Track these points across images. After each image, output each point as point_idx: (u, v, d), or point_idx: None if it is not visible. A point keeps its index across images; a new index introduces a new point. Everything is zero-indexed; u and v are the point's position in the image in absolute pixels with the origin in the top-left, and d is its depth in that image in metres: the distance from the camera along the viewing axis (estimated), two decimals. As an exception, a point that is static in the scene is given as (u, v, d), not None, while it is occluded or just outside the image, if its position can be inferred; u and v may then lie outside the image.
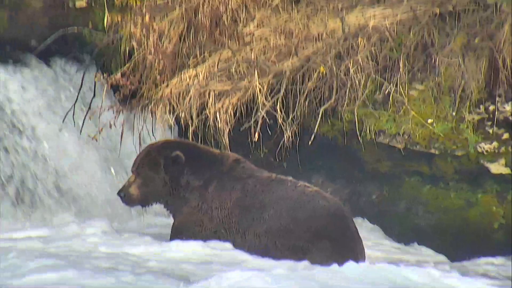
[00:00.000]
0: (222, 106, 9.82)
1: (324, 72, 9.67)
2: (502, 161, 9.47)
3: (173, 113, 9.94)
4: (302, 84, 9.89)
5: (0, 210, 9.32)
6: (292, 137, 9.85)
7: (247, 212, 8.48)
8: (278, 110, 9.74)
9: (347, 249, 8.27)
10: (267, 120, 9.84)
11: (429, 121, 9.57)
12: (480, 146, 9.49)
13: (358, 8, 9.81)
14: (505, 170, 9.49)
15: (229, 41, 9.97)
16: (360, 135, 9.74)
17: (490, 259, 9.29)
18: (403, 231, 9.79)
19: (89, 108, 10.09)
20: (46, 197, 9.63)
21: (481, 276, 8.52)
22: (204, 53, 10.07)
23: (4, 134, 9.66)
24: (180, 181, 8.70)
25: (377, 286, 6.84)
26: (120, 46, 10.31)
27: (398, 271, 7.16)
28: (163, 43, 10.08)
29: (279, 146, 9.98)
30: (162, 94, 9.96)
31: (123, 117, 10.05)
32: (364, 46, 9.61)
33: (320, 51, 9.76)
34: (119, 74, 10.02)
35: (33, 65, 10.13)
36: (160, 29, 10.05)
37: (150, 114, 10.11)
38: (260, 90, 9.67)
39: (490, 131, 9.47)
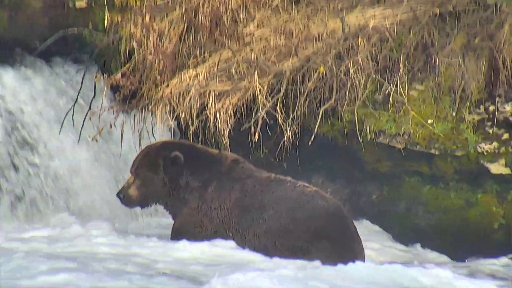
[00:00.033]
0: (222, 106, 9.82)
1: (324, 72, 9.66)
2: (502, 161, 9.47)
3: (173, 114, 9.94)
4: (302, 84, 9.89)
5: (0, 211, 9.33)
6: (292, 137, 9.85)
7: (247, 212, 8.48)
8: (278, 110, 9.74)
9: (347, 249, 8.27)
10: (267, 120, 9.84)
11: (429, 121, 9.57)
12: (480, 146, 9.49)
13: (358, 8, 9.81)
14: (505, 170, 9.49)
15: (229, 41, 9.96)
16: (360, 135, 9.74)
17: (493, 260, 9.30)
18: (403, 231, 9.79)
19: (89, 108, 10.09)
20: (47, 198, 9.63)
21: (490, 277, 8.54)
22: (204, 53, 10.07)
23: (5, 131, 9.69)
24: (180, 182, 8.70)
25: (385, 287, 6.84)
26: (120, 47, 10.31)
27: (406, 272, 7.13)
28: (163, 43, 10.08)
29: (279, 146, 9.97)
30: (162, 94, 9.96)
31: (123, 117, 10.04)
32: (364, 46, 9.61)
33: (320, 51, 9.76)
34: (119, 75, 10.02)
35: (36, 66, 10.16)
36: (160, 29, 10.05)
37: (150, 114, 10.10)
38: (260, 90, 9.67)
39: (490, 131, 9.47)
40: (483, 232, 9.59)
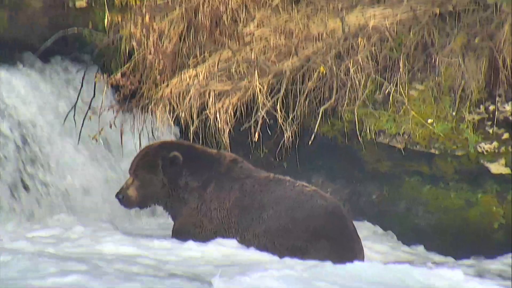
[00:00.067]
0: (222, 106, 9.82)
1: (324, 72, 9.66)
2: (502, 161, 9.47)
3: (173, 113, 9.94)
4: (302, 84, 9.89)
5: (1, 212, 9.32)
6: (292, 137, 9.84)
7: (246, 212, 8.48)
8: (278, 110, 9.74)
9: (346, 248, 8.27)
10: (267, 120, 9.84)
11: (429, 121, 9.57)
12: (480, 146, 9.49)
13: (358, 8, 9.81)
14: (505, 170, 9.48)
15: (229, 41, 9.96)
16: (360, 135, 9.74)
17: (492, 260, 9.31)
18: (403, 231, 9.78)
19: (89, 108, 10.09)
20: (46, 199, 9.63)
21: (490, 277, 8.54)
22: (204, 53, 10.07)
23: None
24: (179, 182, 8.69)
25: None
26: (120, 46, 10.31)
27: (415, 272, 7.08)
28: (163, 43, 10.07)
29: (279, 146, 9.97)
30: (162, 94, 9.95)
31: (122, 117, 10.04)
32: (364, 46, 9.61)
33: (320, 51, 9.76)
34: (119, 74, 10.02)
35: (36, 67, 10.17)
36: (160, 29, 10.05)
37: (150, 114, 10.10)
38: (260, 90, 9.67)
39: (490, 131, 9.47)
40: (483, 232, 9.58)
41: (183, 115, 9.92)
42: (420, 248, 9.64)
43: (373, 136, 9.76)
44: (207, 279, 6.99)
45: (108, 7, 10.15)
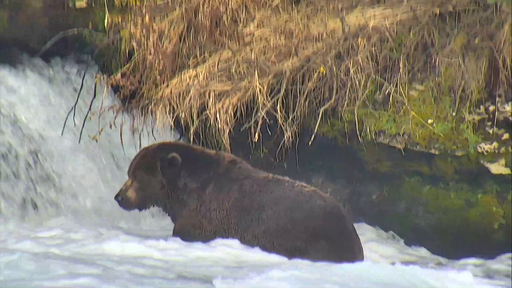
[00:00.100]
0: (222, 106, 9.82)
1: (324, 72, 9.66)
2: (502, 161, 9.46)
3: (173, 114, 9.94)
4: (302, 84, 9.88)
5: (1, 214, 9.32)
6: (292, 137, 9.84)
7: (246, 213, 8.49)
8: (278, 110, 9.74)
9: (345, 249, 8.28)
10: (267, 120, 9.83)
11: (429, 121, 9.57)
12: (480, 146, 9.49)
13: (358, 8, 9.81)
14: (505, 170, 9.48)
15: (229, 41, 9.96)
16: (360, 135, 9.74)
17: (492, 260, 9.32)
18: (403, 231, 9.78)
19: (90, 109, 10.09)
20: (47, 199, 9.63)
21: (489, 277, 8.54)
22: (204, 53, 10.07)
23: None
24: (178, 184, 8.69)
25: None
26: (120, 47, 10.31)
27: (425, 274, 7.04)
28: (163, 43, 10.07)
29: (279, 146, 9.97)
30: (162, 94, 9.95)
31: (122, 117, 10.05)
32: (364, 46, 9.61)
33: (320, 51, 9.76)
34: (119, 75, 10.02)
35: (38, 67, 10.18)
36: (160, 29, 10.04)
37: (150, 114, 10.10)
38: (260, 90, 9.66)
39: (490, 131, 9.46)
40: (483, 232, 9.59)
41: (183, 116, 9.92)
42: (423, 250, 9.63)
43: (373, 136, 9.76)
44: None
45: (108, 7, 10.15)
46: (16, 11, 10.32)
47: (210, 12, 9.97)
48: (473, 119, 9.49)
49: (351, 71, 9.60)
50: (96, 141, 9.89)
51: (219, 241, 8.47)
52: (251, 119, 9.75)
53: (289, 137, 9.82)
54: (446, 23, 9.52)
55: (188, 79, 9.93)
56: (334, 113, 9.93)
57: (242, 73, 9.87)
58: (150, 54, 9.98)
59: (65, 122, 9.94)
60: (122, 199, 8.78)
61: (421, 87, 9.61)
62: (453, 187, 9.70)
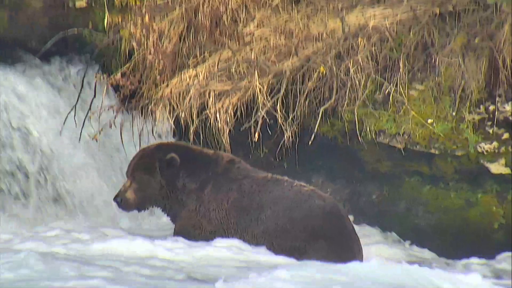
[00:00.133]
0: (222, 106, 9.82)
1: (324, 72, 9.66)
2: (502, 161, 9.46)
3: (173, 113, 9.94)
4: (302, 84, 9.88)
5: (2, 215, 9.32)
6: (292, 137, 9.84)
7: (245, 213, 8.48)
8: (278, 110, 9.74)
9: (344, 248, 8.27)
10: (267, 120, 9.84)
11: (429, 121, 9.57)
12: (480, 146, 9.49)
13: (358, 8, 9.81)
14: (505, 170, 9.48)
15: (229, 41, 9.96)
16: (360, 135, 9.74)
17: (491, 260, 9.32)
18: (403, 231, 9.78)
19: (90, 109, 10.09)
20: (46, 200, 9.63)
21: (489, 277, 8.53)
22: (204, 53, 10.07)
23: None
24: (176, 184, 8.68)
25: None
26: (120, 46, 10.31)
27: (430, 274, 6.99)
28: (163, 43, 10.07)
29: (279, 146, 9.97)
30: (162, 94, 9.96)
31: (122, 117, 10.05)
32: (364, 46, 9.61)
33: (320, 51, 9.76)
34: (119, 74, 10.02)
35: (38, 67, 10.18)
36: (160, 29, 10.05)
37: (150, 114, 10.10)
38: (260, 90, 9.67)
39: (490, 131, 9.46)
40: (483, 232, 9.58)
41: (183, 115, 9.92)
42: (426, 251, 9.62)
43: (373, 136, 9.76)
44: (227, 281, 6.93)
45: (108, 7, 10.15)
46: (16, 11, 10.32)
47: (210, 12, 9.97)
48: (473, 119, 9.49)
49: (351, 71, 9.60)
50: (96, 141, 9.88)
51: (225, 241, 8.46)
52: (251, 119, 9.75)
53: (289, 137, 9.82)
54: (446, 23, 9.52)
55: (188, 79, 9.93)
56: (334, 113, 9.93)
57: (242, 73, 9.87)
58: (150, 54, 9.98)
59: (64, 122, 9.93)
60: (121, 200, 8.76)
61: (421, 87, 9.61)
62: (453, 187, 9.70)
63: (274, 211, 8.38)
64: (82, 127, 9.98)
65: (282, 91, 9.74)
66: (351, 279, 6.81)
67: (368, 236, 9.52)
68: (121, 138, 10.02)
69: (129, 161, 8.99)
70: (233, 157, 8.86)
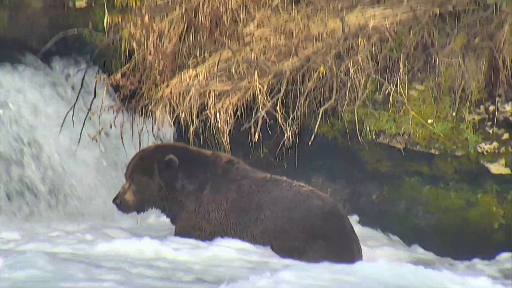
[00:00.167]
0: (222, 106, 9.82)
1: (324, 72, 9.66)
2: (502, 161, 9.46)
3: (173, 114, 9.94)
4: (302, 84, 9.88)
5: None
6: (292, 137, 9.84)
7: (244, 213, 8.48)
8: (278, 110, 9.74)
9: (344, 248, 8.27)
10: (267, 120, 9.84)
11: (429, 121, 9.57)
12: (480, 146, 9.49)
13: (358, 8, 9.80)
14: (505, 170, 9.48)
15: (229, 41, 9.97)
16: (360, 135, 9.74)
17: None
18: (403, 231, 9.78)
19: (90, 109, 10.10)
20: (47, 201, 9.63)
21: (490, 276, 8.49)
22: (204, 53, 10.07)
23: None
24: (175, 185, 8.67)
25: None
26: (120, 47, 10.32)
27: (436, 275, 6.94)
28: (163, 43, 10.08)
29: (279, 146, 9.97)
30: (162, 94, 9.96)
31: (122, 117, 10.05)
32: (364, 46, 9.61)
33: (320, 51, 9.76)
34: (119, 75, 10.02)
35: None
36: (160, 29, 10.05)
37: (150, 114, 10.11)
38: (260, 90, 9.67)
39: (490, 131, 9.46)
40: (483, 232, 9.58)
41: (183, 115, 9.92)
42: (430, 253, 9.62)
43: (373, 136, 9.76)
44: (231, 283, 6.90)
45: (108, 7, 10.17)
46: (16, 11, 10.32)
47: (210, 12, 9.97)
48: (473, 119, 9.49)
49: (351, 71, 9.60)
50: (96, 141, 9.89)
51: (233, 242, 8.44)
52: (251, 119, 9.75)
53: (289, 137, 9.81)
54: (446, 23, 9.52)
55: (188, 79, 9.93)
56: (334, 113, 9.93)
57: (242, 73, 9.87)
58: (150, 54, 9.98)
59: (63, 122, 9.94)
60: (120, 202, 8.74)
61: (421, 87, 9.61)
62: (453, 187, 9.70)
63: (273, 211, 8.38)
64: (82, 127, 9.99)
65: (282, 91, 9.74)
66: (358, 280, 6.77)
67: (368, 236, 9.52)
68: (121, 139, 10.02)
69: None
70: (231, 158, 8.85)
